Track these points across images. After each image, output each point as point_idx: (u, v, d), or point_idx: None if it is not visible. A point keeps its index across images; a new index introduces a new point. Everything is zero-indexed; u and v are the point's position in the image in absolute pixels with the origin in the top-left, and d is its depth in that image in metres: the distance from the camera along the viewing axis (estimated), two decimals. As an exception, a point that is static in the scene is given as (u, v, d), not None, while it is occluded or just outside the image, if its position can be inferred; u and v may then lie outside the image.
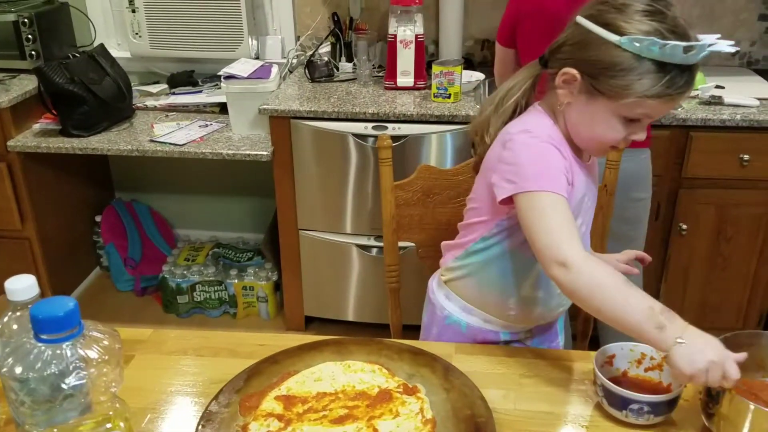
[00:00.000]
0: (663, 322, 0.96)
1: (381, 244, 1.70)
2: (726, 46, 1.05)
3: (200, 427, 1.02)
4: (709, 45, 1.02)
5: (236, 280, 2.83)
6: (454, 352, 1.22)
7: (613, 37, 1.05)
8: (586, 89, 1.10)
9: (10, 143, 2.49)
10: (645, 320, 0.97)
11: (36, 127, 2.60)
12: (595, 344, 1.30)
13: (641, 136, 1.12)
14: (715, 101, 2.29)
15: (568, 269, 1.00)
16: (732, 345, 1.05)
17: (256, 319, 2.88)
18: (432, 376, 1.13)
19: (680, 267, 2.45)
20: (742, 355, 0.97)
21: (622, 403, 1.02)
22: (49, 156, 2.55)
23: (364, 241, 2.55)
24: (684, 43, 1.01)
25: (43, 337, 0.74)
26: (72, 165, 2.83)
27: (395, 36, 2.45)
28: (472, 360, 1.20)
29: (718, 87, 2.37)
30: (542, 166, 1.09)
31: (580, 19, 1.10)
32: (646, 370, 1.11)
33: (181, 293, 2.82)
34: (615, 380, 1.05)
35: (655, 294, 2.35)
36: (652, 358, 1.10)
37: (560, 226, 1.03)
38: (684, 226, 2.36)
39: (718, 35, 1.05)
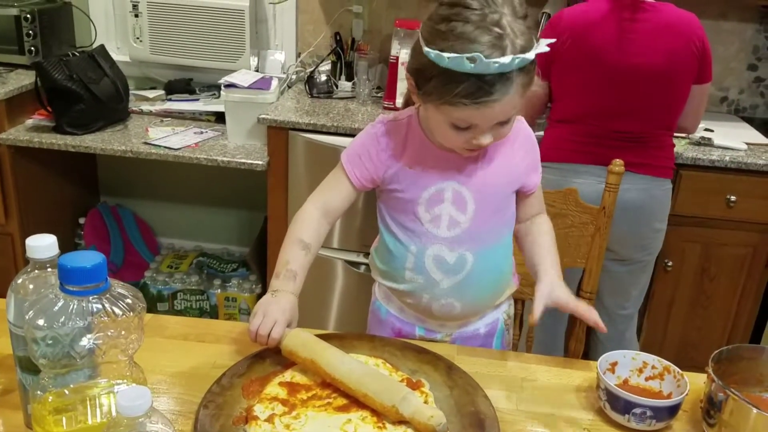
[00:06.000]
0: (280, 273, 1.23)
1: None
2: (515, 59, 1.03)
3: (202, 408, 1.00)
4: (495, 60, 1.01)
5: (219, 291, 2.80)
6: (456, 353, 1.22)
7: (423, 47, 1.08)
8: (418, 94, 1.16)
9: (1, 136, 2.46)
10: (277, 264, 1.25)
11: (29, 122, 2.58)
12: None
13: (483, 141, 1.13)
14: (705, 142, 2.35)
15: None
16: (733, 358, 1.08)
17: (236, 331, 2.84)
18: (435, 374, 1.13)
19: (664, 303, 2.48)
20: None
21: (625, 408, 1.03)
22: (39, 153, 2.53)
23: (352, 257, 2.55)
24: (465, 55, 1.02)
25: (70, 288, 0.72)
26: (61, 164, 2.80)
27: (397, 57, 2.49)
28: (474, 362, 1.19)
29: (707, 130, 2.43)
30: (353, 144, 1.30)
31: (418, 30, 1.15)
32: (647, 379, 1.12)
33: (161, 300, 2.78)
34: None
35: (638, 329, 2.37)
36: (653, 367, 1.12)
37: (321, 187, 1.32)
38: (669, 263, 2.40)
39: (525, 55, 1.03)
